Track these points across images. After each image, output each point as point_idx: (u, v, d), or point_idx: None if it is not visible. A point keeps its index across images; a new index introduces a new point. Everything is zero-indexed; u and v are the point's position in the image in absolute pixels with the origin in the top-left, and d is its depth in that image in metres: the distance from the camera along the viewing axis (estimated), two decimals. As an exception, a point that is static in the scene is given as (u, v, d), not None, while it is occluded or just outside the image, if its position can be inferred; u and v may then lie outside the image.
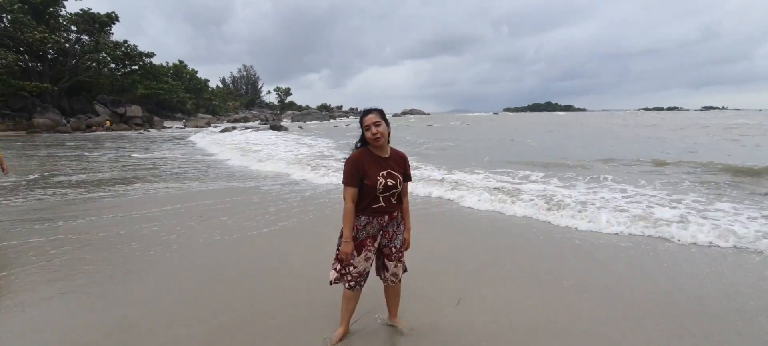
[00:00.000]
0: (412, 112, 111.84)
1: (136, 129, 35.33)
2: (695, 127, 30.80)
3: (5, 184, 8.47)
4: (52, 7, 35.81)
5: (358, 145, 2.50)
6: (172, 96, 51.66)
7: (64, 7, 37.17)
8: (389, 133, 2.48)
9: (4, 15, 32.87)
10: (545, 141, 20.11)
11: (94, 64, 39.25)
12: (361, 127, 2.47)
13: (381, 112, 2.49)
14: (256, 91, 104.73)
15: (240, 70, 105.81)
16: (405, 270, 2.68)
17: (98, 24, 38.18)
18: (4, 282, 3.59)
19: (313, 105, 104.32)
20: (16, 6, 32.66)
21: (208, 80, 75.74)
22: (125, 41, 41.47)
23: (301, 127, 40.43)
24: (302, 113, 70.61)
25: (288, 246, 4.58)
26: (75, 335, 2.74)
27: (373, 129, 2.40)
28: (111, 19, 39.04)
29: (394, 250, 2.55)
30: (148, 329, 2.80)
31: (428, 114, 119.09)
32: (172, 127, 40.76)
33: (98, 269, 3.87)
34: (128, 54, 41.54)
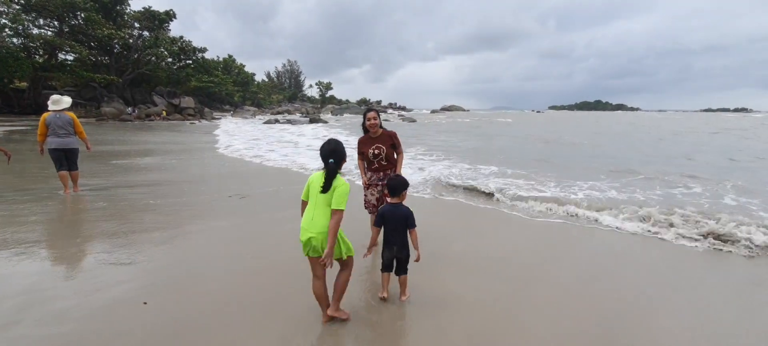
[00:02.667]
0: (451, 108, 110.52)
1: (188, 119, 37.89)
2: None
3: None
4: (119, 5, 39.02)
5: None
6: (222, 89, 54.63)
7: (129, 5, 40.40)
8: (380, 123, 4.12)
9: (79, 13, 36.29)
10: (636, 146, 17.25)
11: (153, 58, 42.37)
12: (364, 119, 4.09)
13: (377, 112, 4.14)
14: (299, 85, 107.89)
15: (284, 65, 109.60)
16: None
17: (158, 21, 41.18)
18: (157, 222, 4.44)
19: (353, 100, 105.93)
20: (88, 4, 35.96)
21: (254, 74, 79.08)
22: (181, 37, 44.39)
23: (337, 120, 41.45)
24: (342, 108, 72.10)
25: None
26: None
27: (371, 122, 4.07)
28: (169, 16, 41.94)
29: None
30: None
31: (467, 111, 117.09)
32: (220, 118, 43.26)
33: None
34: (183, 49, 44.43)
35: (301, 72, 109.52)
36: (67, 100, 6.67)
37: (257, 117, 45.39)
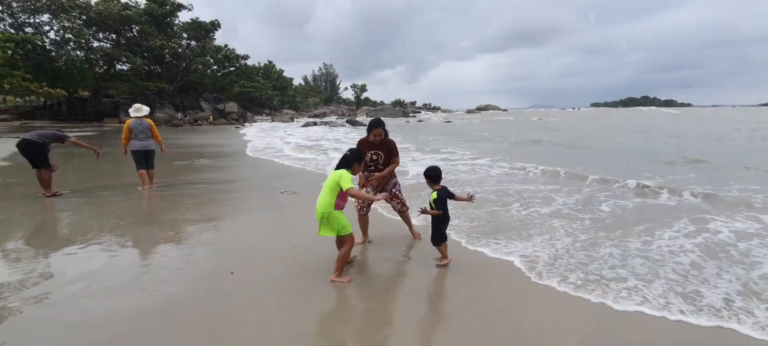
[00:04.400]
0: (486, 107, 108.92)
1: (233, 123, 39.96)
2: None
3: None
4: (169, 17, 41.76)
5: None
6: (262, 93, 56.97)
7: (178, 16, 43.11)
8: (386, 134, 4.46)
9: (134, 26, 39.20)
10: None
11: (200, 66, 44.97)
12: (368, 129, 4.42)
13: (383, 125, 4.45)
14: (335, 88, 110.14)
15: (321, 69, 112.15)
16: (403, 205, 4.68)
17: (204, 31, 43.66)
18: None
19: (388, 101, 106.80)
20: (142, 18, 38.81)
21: (292, 78, 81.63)
22: (226, 45, 46.79)
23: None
24: (377, 109, 72.93)
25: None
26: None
27: (376, 138, 4.40)
28: (214, 26, 44.34)
29: (389, 192, 4.56)
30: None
31: (505, 110, 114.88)
32: (260, 121, 45.25)
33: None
34: (228, 56, 46.81)
35: (336, 75, 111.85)
36: (145, 109, 7.65)
37: (295, 120, 47.04)
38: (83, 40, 36.55)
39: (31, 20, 35.51)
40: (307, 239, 4.67)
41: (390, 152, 4.48)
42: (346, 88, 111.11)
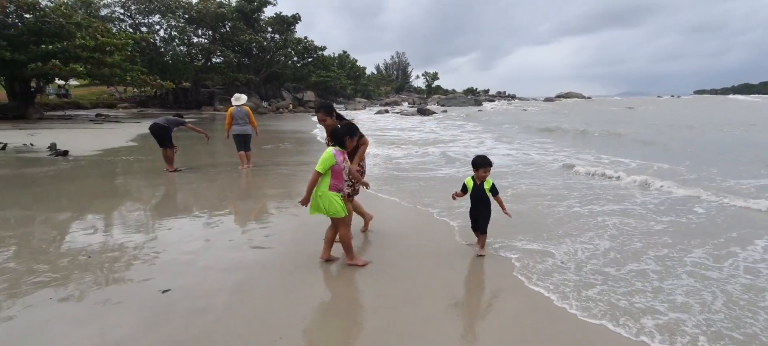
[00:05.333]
0: (568, 95, 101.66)
1: (309, 111, 42.43)
2: None
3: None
4: (257, 13, 45.23)
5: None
6: (337, 83, 59.36)
7: (264, 12, 46.50)
8: (337, 118, 4.23)
9: (227, 22, 43.15)
10: None
11: (282, 57, 48.19)
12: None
13: (326, 108, 4.28)
14: (406, 76, 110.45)
15: (393, 57, 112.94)
16: (355, 192, 4.34)
17: (286, 24, 46.62)
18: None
19: (460, 89, 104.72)
20: (234, 15, 42.58)
21: (365, 68, 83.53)
22: (305, 37, 49.53)
23: (445, 111, 41.94)
24: (448, 98, 72.04)
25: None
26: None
27: (319, 119, 4.25)
28: (295, 19, 47.11)
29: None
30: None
31: (588, 98, 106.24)
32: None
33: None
34: (307, 48, 49.55)
35: (408, 63, 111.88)
36: (244, 98, 8.77)
37: (367, 109, 48.46)
38: (186, 37, 41.21)
39: (145, 21, 40.84)
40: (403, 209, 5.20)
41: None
42: (417, 77, 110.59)
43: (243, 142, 8.66)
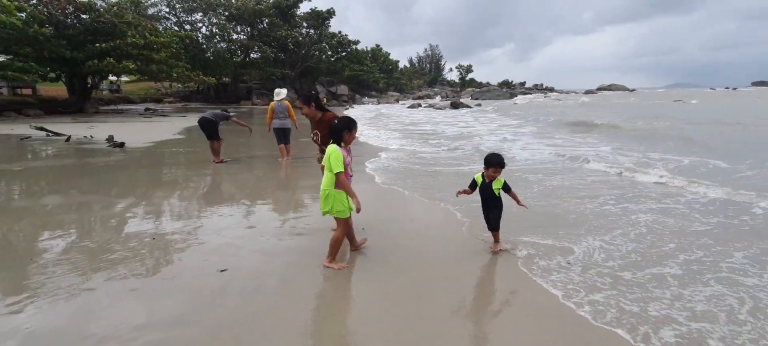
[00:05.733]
0: (610, 87, 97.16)
1: (343, 105, 43.02)
2: None
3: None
4: (293, 9, 46.19)
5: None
6: (369, 76, 59.74)
7: (300, 7, 47.41)
8: (319, 108, 4.27)
9: (264, 19, 44.36)
10: None
11: (317, 52, 48.99)
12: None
13: (305, 97, 4.33)
14: (439, 69, 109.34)
15: (426, 50, 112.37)
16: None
17: (321, 19, 47.31)
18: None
19: (494, 82, 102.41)
20: (271, 11, 43.69)
21: (398, 61, 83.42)
22: (339, 32, 50.10)
23: (480, 105, 41.30)
24: (482, 91, 70.77)
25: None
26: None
27: (297, 106, 4.38)
28: (329, 14, 47.70)
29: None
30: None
31: (633, 90, 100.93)
32: (368, 103, 47.76)
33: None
34: (341, 43, 50.13)
35: (441, 56, 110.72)
36: (284, 93, 9.14)
37: (400, 102, 48.54)
38: (226, 34, 42.75)
39: (189, 18, 42.72)
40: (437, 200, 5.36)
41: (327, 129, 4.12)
42: (450, 70, 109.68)
43: (282, 135, 9.05)
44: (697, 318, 2.82)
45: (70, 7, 23.98)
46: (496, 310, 3.08)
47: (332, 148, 3.40)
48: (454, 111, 31.29)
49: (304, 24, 47.94)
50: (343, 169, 3.36)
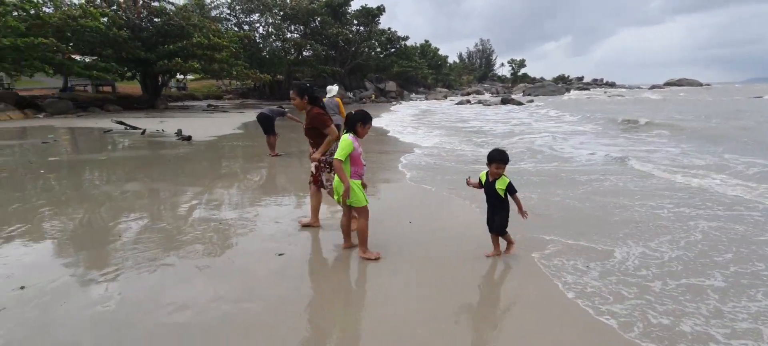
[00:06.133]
0: (680, 82, 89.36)
1: (391, 101, 43.35)
2: None
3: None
4: (344, 7, 47.15)
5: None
6: (418, 72, 59.61)
7: (351, 5, 48.29)
8: (311, 102, 4.23)
9: (317, 17, 45.70)
10: None
11: (366, 49, 49.68)
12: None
13: (297, 88, 4.26)
14: (490, 64, 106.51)
15: (476, 45, 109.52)
16: (322, 185, 4.39)
17: (371, 16, 47.89)
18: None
19: (548, 77, 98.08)
20: (323, 10, 44.92)
21: (447, 56, 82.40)
22: (389, 28, 50.43)
23: (532, 101, 39.84)
24: (535, 86, 68.11)
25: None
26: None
27: (290, 98, 4.30)
28: (380, 11, 48.13)
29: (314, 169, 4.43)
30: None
31: (706, 85, 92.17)
32: (416, 99, 47.71)
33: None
34: (390, 39, 50.49)
35: (492, 50, 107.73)
36: (336, 89, 9.46)
37: (448, 98, 48.01)
38: (281, 33, 44.58)
39: (247, 19, 45.04)
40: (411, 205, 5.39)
41: (315, 125, 4.18)
42: (501, 65, 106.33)
43: (334, 131, 9.38)
44: (737, 336, 2.56)
45: (145, 12, 26.25)
46: (510, 311, 3.02)
47: (343, 137, 3.53)
48: (504, 107, 30.49)
49: (355, 22, 48.76)
50: (342, 158, 3.43)
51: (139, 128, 14.30)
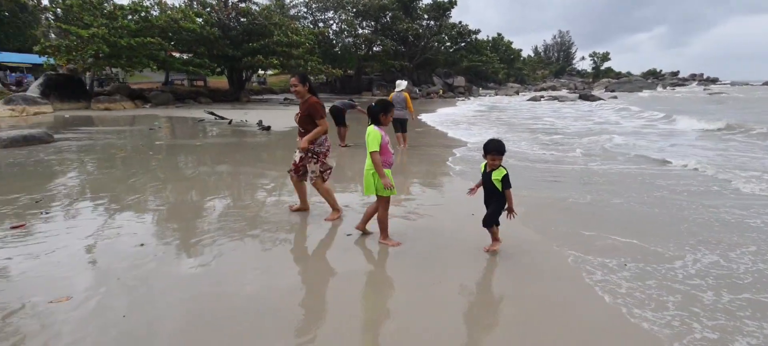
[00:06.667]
0: (803, 78, 76.10)
1: (459, 96, 42.70)
2: None
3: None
4: (415, 1, 47.25)
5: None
6: (488, 67, 57.82)
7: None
8: (309, 90, 4.32)
9: (388, 12, 46.37)
10: None
11: (436, 43, 49.36)
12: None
13: (299, 75, 4.35)
14: (568, 58, 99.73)
15: (554, 37, 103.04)
16: (304, 174, 4.53)
17: (442, 10, 47.41)
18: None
19: (636, 71, 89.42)
20: (394, 5, 45.43)
21: (520, 50, 78.70)
22: (460, 22, 49.54)
23: (615, 97, 36.78)
24: (620, 82, 62.44)
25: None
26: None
27: (290, 84, 4.40)
28: (451, 4, 47.44)
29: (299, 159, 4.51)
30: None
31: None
32: (486, 95, 46.45)
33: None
34: (461, 33, 49.56)
35: (572, 43, 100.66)
36: (404, 84, 9.74)
37: (520, 94, 46.05)
38: (353, 29, 45.98)
39: (322, 16, 47.12)
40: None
41: (310, 113, 4.28)
42: (582, 58, 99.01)
43: (400, 125, 9.66)
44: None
45: (233, 12, 28.71)
46: (536, 313, 2.93)
47: (370, 129, 3.62)
48: (585, 105, 28.56)
49: (425, 16, 48.62)
50: (377, 149, 3.55)
51: (226, 118, 15.84)
